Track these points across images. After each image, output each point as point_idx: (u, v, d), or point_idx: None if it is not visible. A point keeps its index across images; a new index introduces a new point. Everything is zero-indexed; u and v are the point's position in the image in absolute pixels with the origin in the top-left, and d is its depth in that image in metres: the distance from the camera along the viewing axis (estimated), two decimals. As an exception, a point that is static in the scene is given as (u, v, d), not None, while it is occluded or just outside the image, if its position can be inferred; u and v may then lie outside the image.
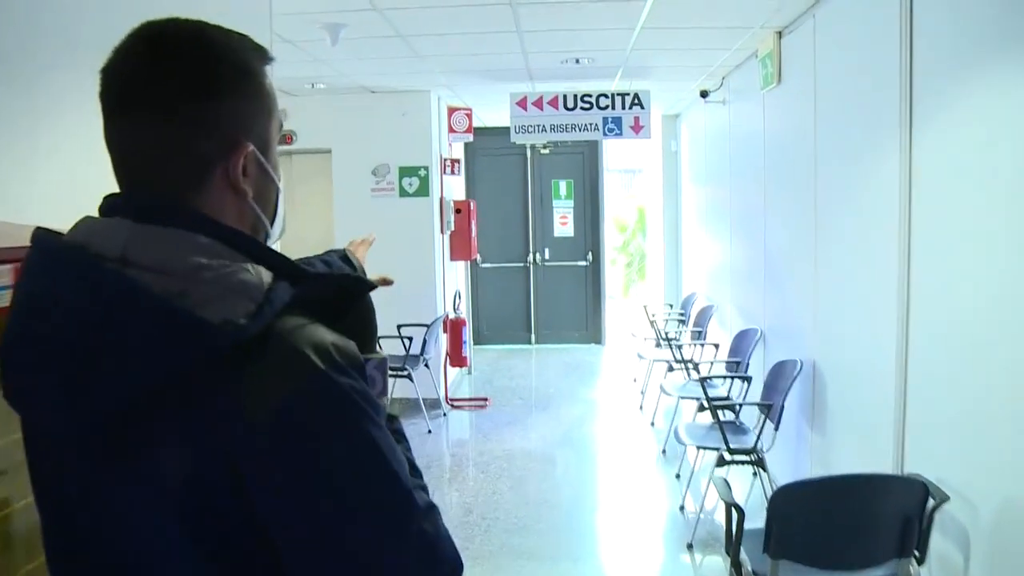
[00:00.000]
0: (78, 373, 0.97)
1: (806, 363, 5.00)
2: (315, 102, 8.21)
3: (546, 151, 11.48)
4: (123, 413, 0.96)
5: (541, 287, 11.63)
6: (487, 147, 11.23)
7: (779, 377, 5.19)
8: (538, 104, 7.70)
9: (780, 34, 5.58)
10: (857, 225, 4.33)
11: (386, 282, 1.72)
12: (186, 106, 1.06)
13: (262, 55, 1.17)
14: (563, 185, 11.54)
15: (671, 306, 9.96)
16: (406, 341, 7.67)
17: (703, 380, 5.93)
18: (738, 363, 6.23)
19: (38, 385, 1.02)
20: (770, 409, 4.93)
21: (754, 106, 6.35)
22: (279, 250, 1.13)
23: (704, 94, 7.65)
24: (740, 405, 5.68)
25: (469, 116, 8.95)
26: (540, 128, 7.73)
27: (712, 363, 6.96)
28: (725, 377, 6.31)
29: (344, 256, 1.71)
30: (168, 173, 1.07)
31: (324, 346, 1.01)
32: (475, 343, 11.36)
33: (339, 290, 1.19)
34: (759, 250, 6.30)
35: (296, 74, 6.98)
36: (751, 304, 6.65)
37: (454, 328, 8.63)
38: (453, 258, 9.20)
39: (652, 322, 8.67)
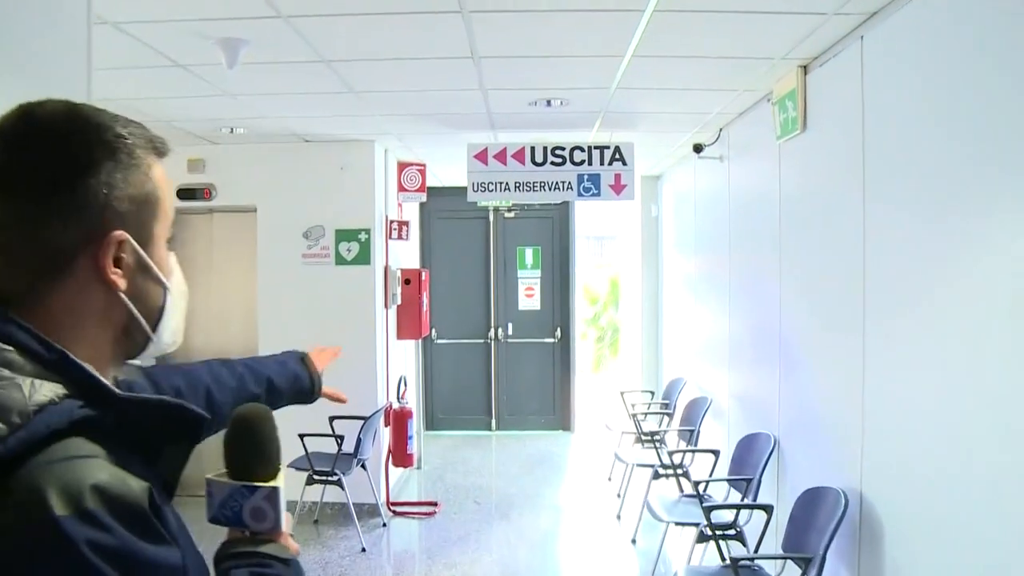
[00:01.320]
0: None
1: (851, 494, 3.72)
2: (238, 151, 6.96)
3: (511, 214, 10.29)
4: None
5: (504, 367, 10.34)
6: (444, 209, 10.08)
7: (811, 511, 3.91)
8: (500, 157, 6.49)
9: (806, 68, 4.42)
10: (936, 312, 3.10)
11: (339, 399, 1.75)
12: (42, 189, 1.00)
13: (155, 145, 1.14)
14: (529, 253, 10.33)
15: (652, 394, 8.67)
16: (340, 439, 6.33)
17: (704, 502, 4.64)
18: (747, 481, 4.94)
19: None
20: (807, 565, 3.63)
21: (765, 160, 5.18)
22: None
23: (698, 148, 6.48)
24: (757, 548, 4.38)
25: (422, 172, 7.74)
26: (503, 186, 6.51)
27: (711, 476, 5.66)
28: (734, 507, 4.98)
29: (303, 359, 1.78)
30: (18, 260, 1.01)
31: (76, 487, 0.88)
32: (428, 429, 10.05)
33: (163, 418, 1.04)
34: (771, 332, 5.07)
35: (204, 114, 5.71)
36: (761, 400, 5.39)
37: (398, 421, 7.28)
38: (400, 337, 7.90)
39: (633, 416, 7.38)
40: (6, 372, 0.92)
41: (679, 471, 6.06)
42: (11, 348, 0.95)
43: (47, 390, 0.93)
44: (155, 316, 1.12)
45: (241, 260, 7.26)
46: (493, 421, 10.39)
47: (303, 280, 6.97)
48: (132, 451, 0.97)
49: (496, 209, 10.25)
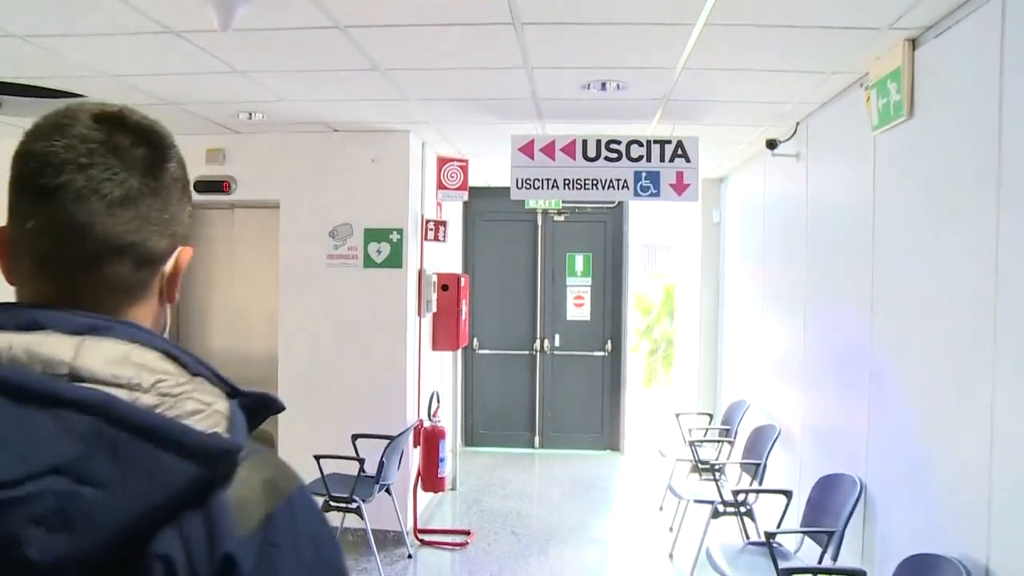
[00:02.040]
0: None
1: (974, 570, 2.96)
2: (261, 141, 6.36)
3: (560, 218, 9.59)
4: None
5: (549, 380, 9.64)
6: (489, 210, 9.46)
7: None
8: (548, 151, 5.79)
9: (915, 42, 3.66)
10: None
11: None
12: (178, 192, 1.06)
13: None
14: (580, 259, 9.61)
15: (710, 417, 7.90)
16: (361, 461, 5.68)
17: (778, 558, 3.90)
18: (829, 534, 4.17)
19: None
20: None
21: (855, 156, 4.42)
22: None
23: (772, 144, 5.71)
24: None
25: (464, 169, 7.09)
26: (550, 184, 5.81)
27: (782, 521, 4.90)
28: (818, 572, 4.19)
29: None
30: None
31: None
32: (466, 445, 9.43)
33: (261, 406, 1.09)
34: (860, 357, 4.31)
35: (213, 95, 5.10)
36: (844, 435, 4.62)
37: (429, 441, 6.61)
38: (436, 348, 7.24)
39: (691, 443, 6.63)
40: (173, 372, 0.96)
41: (743, 511, 5.32)
42: (164, 355, 0.97)
43: (212, 388, 0.99)
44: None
45: (264, 259, 6.66)
46: (536, 438, 9.69)
47: (328, 283, 6.35)
48: None
49: (545, 212, 9.56)
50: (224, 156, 6.42)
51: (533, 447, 9.68)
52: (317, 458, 5.50)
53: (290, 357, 6.42)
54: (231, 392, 1.02)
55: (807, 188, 5.46)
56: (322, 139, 6.32)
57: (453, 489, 7.88)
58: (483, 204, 9.32)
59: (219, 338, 6.86)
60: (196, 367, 0.99)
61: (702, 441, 7.04)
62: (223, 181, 6.40)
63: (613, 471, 9.00)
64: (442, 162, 7.07)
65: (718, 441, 6.99)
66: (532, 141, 5.80)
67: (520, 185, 5.83)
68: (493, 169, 8.14)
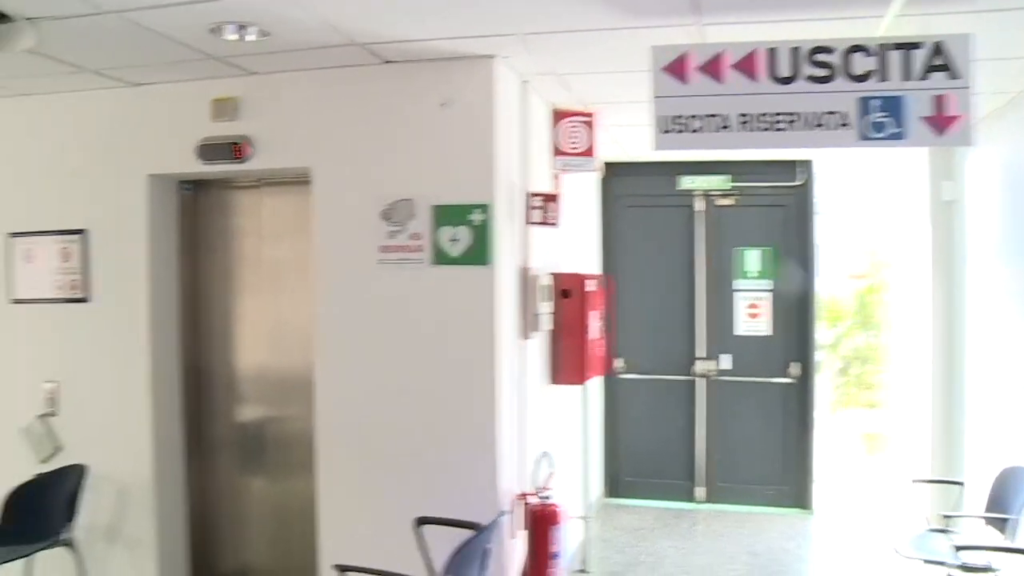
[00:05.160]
0: None
1: None
2: (285, 84, 4.39)
3: (728, 202, 7.25)
4: None
5: (716, 414, 7.32)
6: (631, 193, 7.37)
7: None
8: (712, 69, 3.54)
9: None
10: None
11: None
12: None
13: None
14: (754, 256, 7.23)
15: (958, 486, 5.34)
16: (428, 560, 3.59)
17: None
18: None
19: None
20: None
21: None
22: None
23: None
24: None
25: (590, 125, 4.91)
26: (718, 123, 3.57)
27: None
28: None
29: None
30: None
31: None
32: (609, 495, 7.24)
33: None
34: None
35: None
36: None
37: (537, 526, 4.44)
38: (556, 381, 5.10)
39: (956, 548, 4.18)
40: None
41: None
42: None
43: None
44: None
45: (295, 254, 4.71)
46: (699, 490, 7.38)
47: (381, 288, 4.31)
48: None
49: (707, 193, 7.25)
50: (237, 108, 4.48)
51: (694, 501, 7.38)
52: (343, 570, 3.43)
53: (329, 390, 4.44)
54: None
55: None
56: (368, 75, 4.29)
57: (583, 573, 5.69)
58: (623, 184, 7.23)
59: (248, 356, 4.98)
60: None
61: (945, 530, 4.59)
62: (236, 143, 4.45)
63: (804, 541, 6.57)
64: (559, 116, 4.92)
65: (984, 517, 4.50)
66: (685, 56, 3.56)
67: (666, 127, 3.60)
68: (634, 135, 5.94)
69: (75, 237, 4.90)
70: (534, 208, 4.63)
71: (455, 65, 4.15)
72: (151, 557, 4.87)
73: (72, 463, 4.73)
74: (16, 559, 4.54)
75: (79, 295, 4.92)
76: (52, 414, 5.01)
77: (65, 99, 4.91)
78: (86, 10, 3.43)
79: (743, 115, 3.55)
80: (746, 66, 3.52)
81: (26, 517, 4.36)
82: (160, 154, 4.72)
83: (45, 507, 4.53)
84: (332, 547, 4.42)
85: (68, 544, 4.67)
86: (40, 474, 4.61)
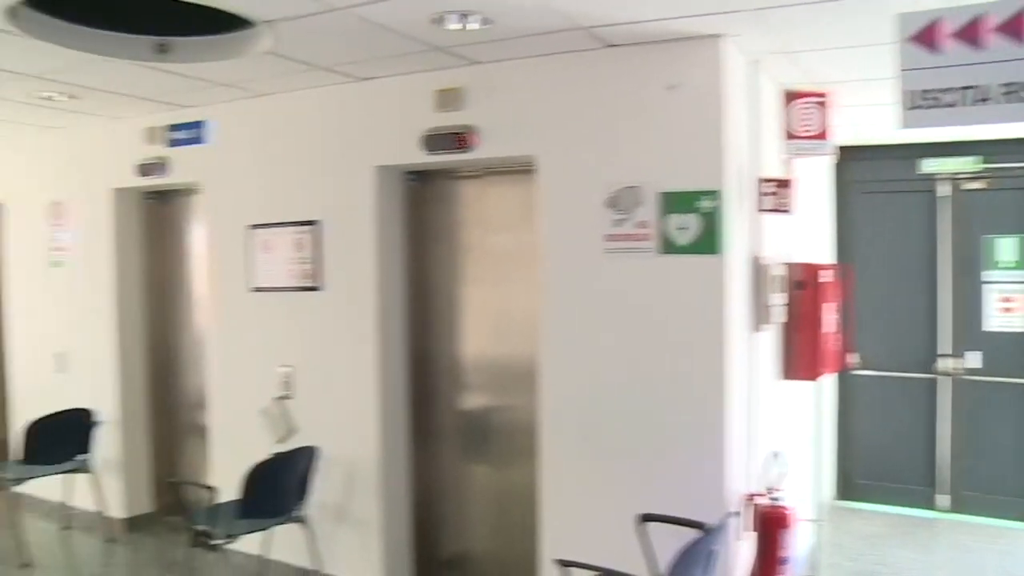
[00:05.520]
0: None
1: None
2: (509, 73, 4.39)
3: (977, 185, 6.64)
4: None
5: (962, 417, 6.73)
6: (866, 179, 6.94)
7: None
8: (968, 35, 3.20)
9: None
10: None
11: None
12: None
13: None
14: (1008, 244, 6.58)
15: None
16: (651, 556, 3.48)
17: None
18: None
19: None
20: None
21: None
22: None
23: None
24: None
25: (824, 107, 4.60)
26: (976, 95, 3.22)
27: None
28: None
29: None
30: None
31: None
32: (840, 498, 6.89)
33: None
34: None
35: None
36: None
37: (766, 528, 4.22)
38: (788, 376, 4.83)
39: None
40: None
41: None
42: None
43: None
44: None
45: (520, 243, 4.70)
46: (942, 498, 6.82)
47: (607, 278, 4.22)
48: None
49: (953, 177, 6.68)
50: (462, 97, 4.51)
51: (936, 509, 6.83)
52: (562, 563, 3.37)
53: (554, 381, 4.39)
54: None
55: None
56: (591, 60, 4.20)
57: (813, 581, 5.39)
58: (858, 169, 6.77)
59: (472, 345, 5.03)
60: None
61: None
62: (462, 134, 4.48)
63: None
64: (790, 98, 4.65)
65: None
66: (937, 22, 3.23)
67: (913, 103, 3.28)
68: (872, 115, 5.55)
69: (308, 228, 5.12)
70: (766, 194, 4.39)
71: (681, 46, 3.98)
72: (376, 538, 5.02)
73: (305, 444, 4.95)
74: (256, 531, 4.83)
75: (312, 284, 5.13)
76: (287, 397, 5.27)
77: (298, 96, 5.15)
78: (317, 9, 3.55)
79: (1007, 85, 3.18)
80: (1013, 28, 3.16)
81: (264, 493, 4.61)
82: (386, 146, 4.85)
83: (281, 485, 4.76)
84: (553, 538, 4.38)
85: (301, 521, 4.90)
86: (277, 454, 4.86)
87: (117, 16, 3.95)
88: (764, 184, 4.41)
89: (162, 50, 4.12)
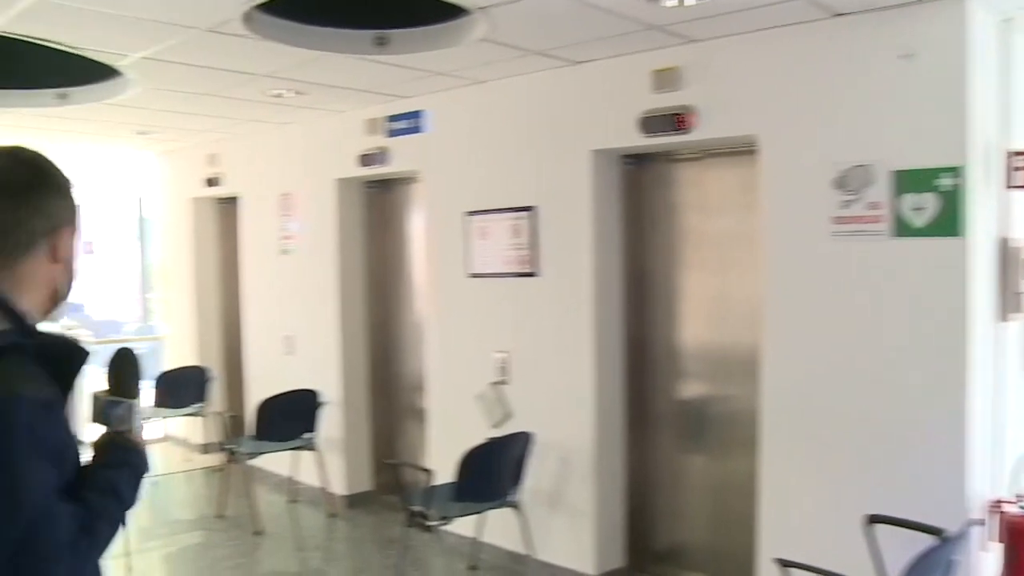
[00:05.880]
0: None
1: None
2: (727, 50, 4.20)
3: None
4: None
5: None
6: None
7: None
8: None
9: None
10: None
11: None
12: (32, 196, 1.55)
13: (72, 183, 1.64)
14: None
15: None
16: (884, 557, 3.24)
17: None
18: None
19: None
20: None
21: None
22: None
23: None
24: None
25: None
26: None
27: None
28: None
29: None
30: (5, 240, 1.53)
31: (12, 381, 1.40)
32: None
33: (62, 347, 1.58)
34: None
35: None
36: None
37: (1018, 537, 3.83)
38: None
39: None
40: None
41: None
42: None
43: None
44: (69, 283, 1.67)
45: (743, 224, 4.51)
46: None
47: (835, 263, 3.96)
48: (44, 368, 1.49)
49: None
50: (680, 77, 4.36)
51: None
52: (786, 565, 3.18)
53: (776, 371, 4.18)
54: (23, 330, 1.51)
55: None
56: (815, 32, 3.94)
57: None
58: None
59: (690, 331, 4.89)
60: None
61: None
62: (680, 115, 4.33)
63: None
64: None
65: None
66: None
67: None
68: None
69: (524, 214, 5.11)
70: (1017, 169, 3.97)
71: (918, 10, 3.66)
72: (589, 526, 4.97)
73: (520, 430, 4.95)
74: (469, 515, 4.89)
75: (528, 270, 5.13)
76: (503, 382, 5.30)
77: (512, 83, 5.15)
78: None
79: None
80: None
81: (479, 477, 4.66)
82: (602, 129, 4.76)
83: (495, 469, 4.80)
84: (771, 534, 4.18)
85: (514, 506, 4.91)
86: (492, 438, 4.90)
87: (338, 13, 4.08)
88: (1015, 158, 3.98)
89: (381, 43, 4.22)
